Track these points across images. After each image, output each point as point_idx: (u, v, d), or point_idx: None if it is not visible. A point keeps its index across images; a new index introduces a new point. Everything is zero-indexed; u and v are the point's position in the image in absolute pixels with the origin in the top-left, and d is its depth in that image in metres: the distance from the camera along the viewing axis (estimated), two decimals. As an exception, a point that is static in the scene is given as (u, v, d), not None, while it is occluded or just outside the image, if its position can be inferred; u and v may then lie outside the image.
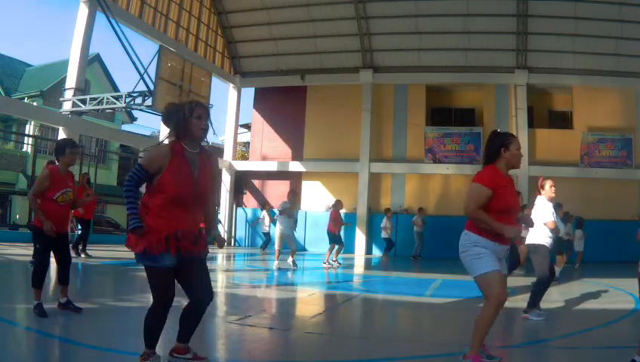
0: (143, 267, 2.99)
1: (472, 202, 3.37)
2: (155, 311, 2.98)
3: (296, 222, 10.76)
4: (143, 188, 3.05)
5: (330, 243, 11.89)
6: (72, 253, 10.21)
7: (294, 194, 10.99)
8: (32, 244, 4.14)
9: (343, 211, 12.52)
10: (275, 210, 17.59)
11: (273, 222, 16.26)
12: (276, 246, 10.75)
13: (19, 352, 3.57)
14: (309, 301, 6.92)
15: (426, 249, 16.25)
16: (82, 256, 10.35)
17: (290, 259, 10.62)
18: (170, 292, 2.99)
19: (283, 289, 8.01)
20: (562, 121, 19.11)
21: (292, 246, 10.70)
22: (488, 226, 3.32)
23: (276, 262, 10.48)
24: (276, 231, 10.83)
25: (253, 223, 18.31)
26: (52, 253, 4.72)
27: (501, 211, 3.38)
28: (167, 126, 3.15)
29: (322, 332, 4.83)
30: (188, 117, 3.02)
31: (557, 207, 8.81)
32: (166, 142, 3.11)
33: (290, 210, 10.57)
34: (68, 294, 4.74)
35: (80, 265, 9.38)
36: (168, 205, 2.94)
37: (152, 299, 3.01)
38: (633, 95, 17.65)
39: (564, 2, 16.17)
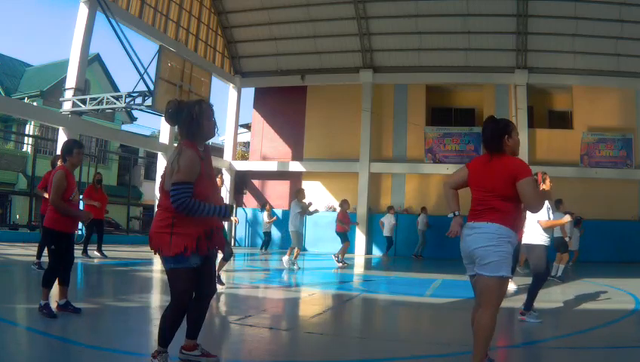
0: (166, 270, 3.01)
1: (540, 198, 3.21)
2: (176, 312, 2.99)
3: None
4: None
5: (342, 242, 11.94)
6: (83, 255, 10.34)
7: (302, 192, 11.07)
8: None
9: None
10: (276, 210, 17.77)
11: (284, 224, 16.21)
12: (297, 246, 10.73)
13: (19, 352, 3.57)
14: (310, 301, 6.91)
15: (426, 249, 16.28)
16: (99, 254, 10.41)
17: (286, 258, 10.83)
18: (190, 293, 3.03)
19: (283, 289, 8.01)
20: (562, 120, 19.12)
21: (297, 245, 10.76)
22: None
23: (291, 261, 10.58)
24: (291, 229, 10.78)
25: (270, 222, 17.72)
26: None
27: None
28: (172, 124, 3.14)
29: (322, 332, 4.83)
30: (200, 120, 3.01)
31: (557, 203, 8.75)
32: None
33: (306, 208, 10.69)
34: (67, 295, 4.68)
35: (80, 265, 9.37)
36: None
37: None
38: (633, 95, 17.66)
39: (564, 2, 16.16)
